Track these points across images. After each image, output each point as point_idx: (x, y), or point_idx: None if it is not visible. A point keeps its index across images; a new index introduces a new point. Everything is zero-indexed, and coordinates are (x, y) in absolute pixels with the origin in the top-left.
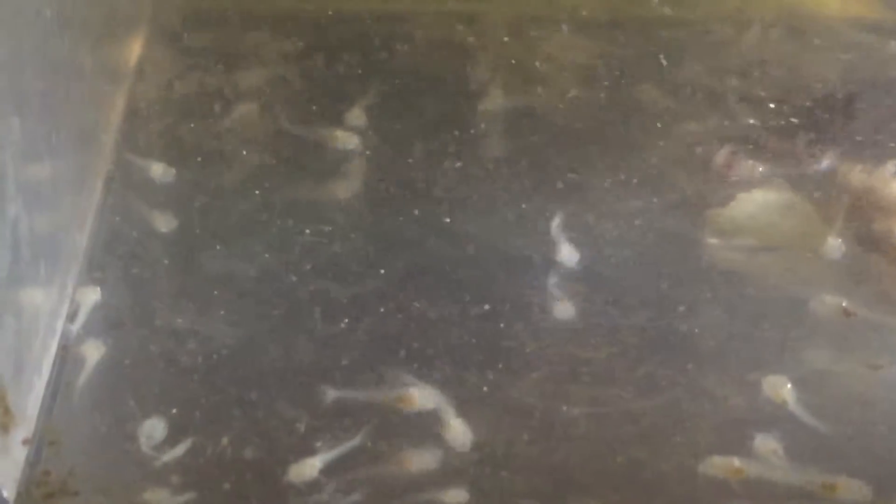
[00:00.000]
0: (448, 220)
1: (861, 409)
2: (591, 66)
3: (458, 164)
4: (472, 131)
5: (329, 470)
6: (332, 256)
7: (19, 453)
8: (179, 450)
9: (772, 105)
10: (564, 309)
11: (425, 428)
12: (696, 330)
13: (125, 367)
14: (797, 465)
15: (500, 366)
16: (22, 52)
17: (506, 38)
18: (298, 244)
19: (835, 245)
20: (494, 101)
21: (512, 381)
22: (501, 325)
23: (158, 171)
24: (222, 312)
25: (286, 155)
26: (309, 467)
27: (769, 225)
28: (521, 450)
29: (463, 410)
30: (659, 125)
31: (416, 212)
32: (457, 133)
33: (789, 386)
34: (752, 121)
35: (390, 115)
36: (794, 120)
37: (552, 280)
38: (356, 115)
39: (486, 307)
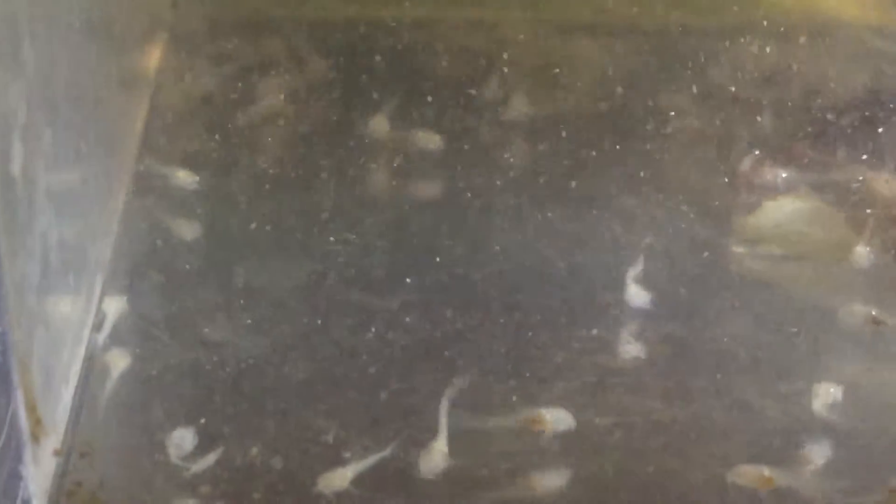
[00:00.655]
0: (472, 228)
1: (893, 417)
2: (614, 73)
3: (482, 172)
4: (494, 139)
5: (358, 480)
6: (359, 265)
7: (50, 464)
8: (209, 460)
9: (797, 112)
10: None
11: None
12: (725, 339)
13: (152, 377)
14: (830, 475)
15: (528, 375)
16: (53, 64)
17: (527, 46)
18: (324, 252)
19: (863, 253)
20: (517, 108)
21: (540, 391)
22: (529, 334)
23: (182, 178)
24: (249, 321)
25: (309, 162)
26: (339, 478)
27: (796, 233)
28: (550, 460)
29: (489, 419)
30: (684, 133)
31: (441, 220)
32: (480, 141)
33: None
34: (777, 128)
35: (414, 123)
36: (819, 127)
37: (582, 290)
38: (379, 122)
39: (514, 316)
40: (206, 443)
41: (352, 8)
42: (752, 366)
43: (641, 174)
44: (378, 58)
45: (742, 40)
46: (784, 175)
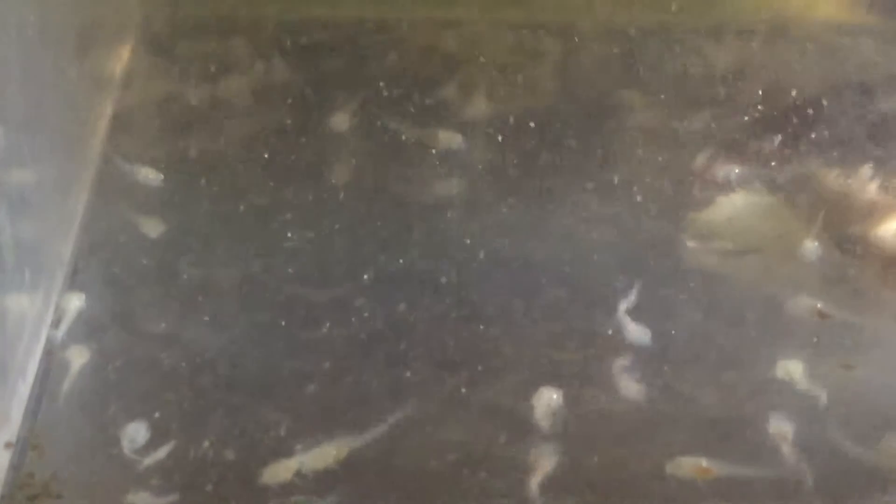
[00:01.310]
0: (431, 224)
1: (834, 409)
2: (572, 71)
3: (443, 170)
4: (456, 137)
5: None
6: (315, 261)
7: (3, 457)
8: (161, 453)
9: (750, 109)
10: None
11: None
12: (673, 332)
13: (109, 372)
14: (770, 465)
15: (479, 367)
16: (5, 62)
17: (487, 44)
18: (281, 249)
19: (811, 248)
20: (478, 107)
21: (490, 383)
22: (481, 327)
23: (145, 176)
24: (205, 318)
25: (271, 160)
26: (285, 469)
27: (747, 228)
28: (499, 450)
29: (442, 412)
30: (639, 129)
31: (400, 217)
32: (440, 138)
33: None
34: (731, 125)
35: (375, 122)
36: (772, 124)
37: (536, 282)
38: (341, 121)
39: (467, 311)
40: (159, 436)
41: (317, 9)
42: (700, 357)
43: (597, 169)
44: (341, 57)
45: (701, 38)
46: (737, 171)
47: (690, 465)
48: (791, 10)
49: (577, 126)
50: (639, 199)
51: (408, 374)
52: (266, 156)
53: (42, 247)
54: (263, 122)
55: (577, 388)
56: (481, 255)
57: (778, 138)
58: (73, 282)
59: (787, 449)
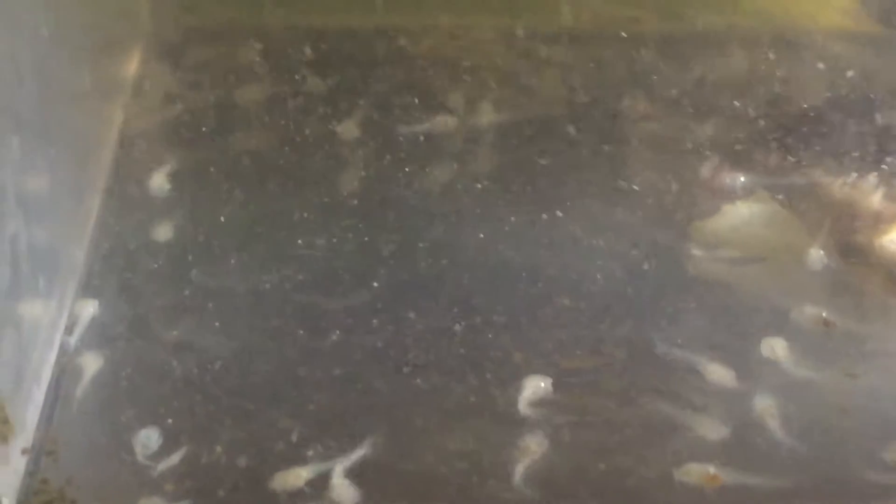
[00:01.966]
0: (440, 232)
1: (838, 418)
2: (579, 79)
3: (449, 178)
4: (460, 145)
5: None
6: (326, 269)
7: (19, 463)
8: (174, 459)
9: (756, 117)
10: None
11: None
12: (679, 340)
13: (122, 379)
14: (773, 473)
15: (488, 376)
16: (20, 70)
17: (492, 53)
18: (292, 257)
19: (817, 256)
20: (484, 115)
21: (499, 391)
22: (490, 335)
23: (156, 184)
24: (217, 324)
25: (281, 168)
26: (295, 476)
27: (753, 236)
28: (507, 458)
29: (451, 420)
30: (645, 137)
31: (409, 225)
32: (447, 147)
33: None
34: (737, 133)
35: (382, 130)
36: (778, 132)
37: (543, 291)
38: (349, 129)
39: (476, 319)
40: (171, 442)
41: (325, 17)
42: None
43: (603, 178)
44: (348, 65)
45: (705, 47)
46: (743, 179)
47: (699, 473)
48: (796, 20)
49: (583, 134)
50: (644, 207)
51: (417, 381)
52: (276, 163)
53: (56, 253)
54: (273, 129)
55: (587, 395)
56: (489, 263)
57: (783, 147)
58: (87, 288)
59: (791, 455)
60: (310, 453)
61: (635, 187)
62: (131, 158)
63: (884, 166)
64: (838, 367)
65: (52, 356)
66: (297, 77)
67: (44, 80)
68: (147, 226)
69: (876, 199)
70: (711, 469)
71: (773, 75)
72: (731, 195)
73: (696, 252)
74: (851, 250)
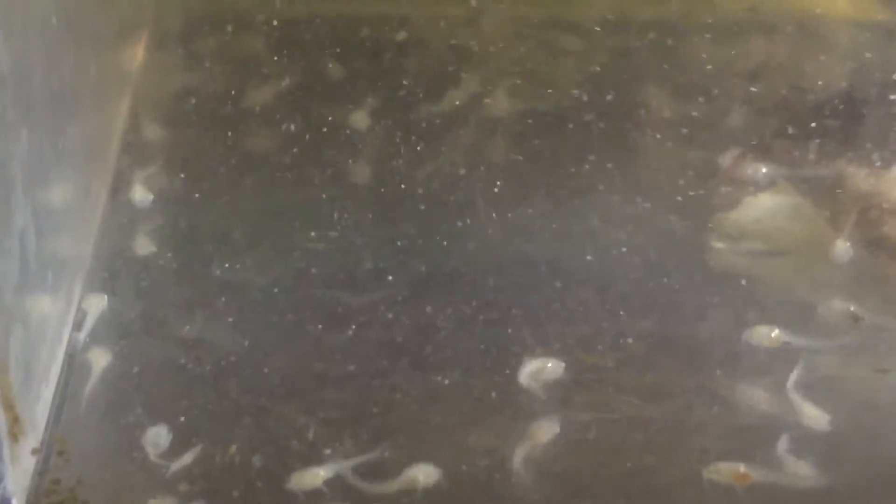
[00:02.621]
0: (454, 224)
1: (868, 413)
2: (596, 68)
3: (464, 169)
4: (476, 135)
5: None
6: (340, 263)
7: (29, 463)
8: (187, 458)
9: (779, 108)
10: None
11: None
12: (704, 335)
13: (132, 376)
14: (806, 470)
15: (508, 372)
16: (29, 62)
17: (508, 41)
18: (305, 250)
19: (843, 249)
20: (498, 104)
21: (520, 388)
22: (509, 330)
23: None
24: (230, 320)
25: (293, 160)
26: (312, 476)
27: (776, 229)
28: (529, 455)
29: (471, 416)
30: (665, 128)
31: (422, 217)
32: (461, 137)
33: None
34: (759, 124)
35: (394, 120)
36: (801, 123)
37: (563, 283)
38: (360, 119)
39: (495, 314)
40: (184, 441)
41: (336, 5)
42: (731, 361)
43: (622, 170)
44: (359, 54)
45: (725, 36)
46: (765, 171)
47: (728, 471)
48: (817, 7)
49: (602, 124)
50: (665, 198)
51: (437, 377)
52: (286, 154)
53: (64, 248)
54: (283, 119)
55: (610, 391)
56: (507, 256)
57: (807, 137)
58: (95, 283)
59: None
60: (327, 452)
61: (655, 178)
62: (139, 150)
63: None
64: (868, 362)
65: (61, 353)
66: (307, 66)
67: (53, 70)
68: (157, 219)
69: None
70: (742, 467)
71: (796, 65)
72: (753, 186)
73: (718, 245)
74: (878, 242)
